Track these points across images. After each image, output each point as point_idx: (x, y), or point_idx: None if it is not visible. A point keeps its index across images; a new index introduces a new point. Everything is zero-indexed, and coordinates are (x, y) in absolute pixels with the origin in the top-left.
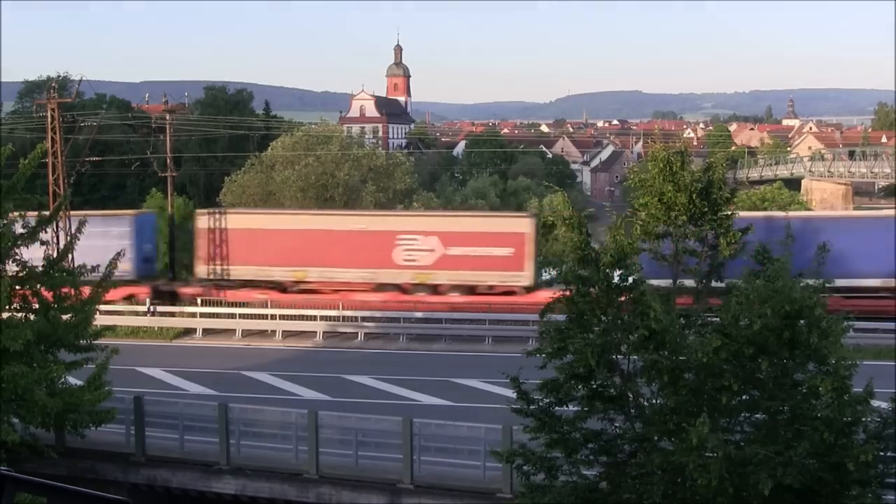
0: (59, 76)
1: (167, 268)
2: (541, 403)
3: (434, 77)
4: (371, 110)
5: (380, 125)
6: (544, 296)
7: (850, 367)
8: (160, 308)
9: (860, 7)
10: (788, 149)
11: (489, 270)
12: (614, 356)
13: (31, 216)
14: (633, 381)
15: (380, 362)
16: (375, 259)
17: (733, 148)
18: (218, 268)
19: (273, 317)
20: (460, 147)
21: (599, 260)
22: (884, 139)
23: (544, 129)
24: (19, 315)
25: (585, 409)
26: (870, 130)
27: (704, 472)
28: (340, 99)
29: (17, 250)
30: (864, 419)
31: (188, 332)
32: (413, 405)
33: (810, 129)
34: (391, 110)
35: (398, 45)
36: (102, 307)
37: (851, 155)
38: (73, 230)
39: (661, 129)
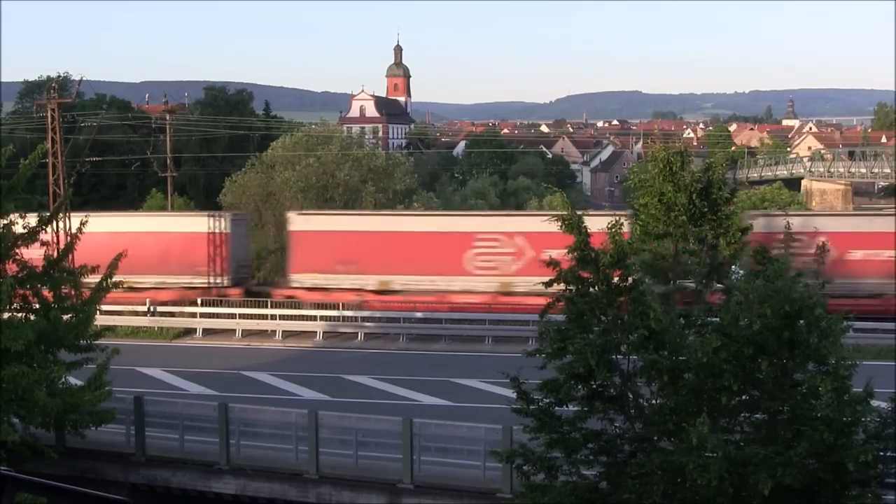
0: (59, 76)
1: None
2: (541, 403)
3: (434, 77)
4: (371, 110)
5: (380, 125)
6: None
7: (849, 367)
8: (160, 308)
9: (860, 7)
10: (788, 149)
11: None
12: (614, 356)
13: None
14: (632, 381)
15: (380, 362)
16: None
17: (733, 148)
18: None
19: (273, 317)
20: (460, 147)
21: (599, 260)
22: (884, 139)
23: (544, 129)
24: (20, 315)
25: (585, 409)
26: (870, 130)
27: (704, 472)
28: (340, 99)
29: (17, 250)
30: (863, 419)
31: (188, 332)
32: (413, 405)
33: (810, 129)
34: (391, 110)
35: (398, 45)
36: (103, 307)
37: (851, 155)
38: (73, 230)
39: (661, 129)
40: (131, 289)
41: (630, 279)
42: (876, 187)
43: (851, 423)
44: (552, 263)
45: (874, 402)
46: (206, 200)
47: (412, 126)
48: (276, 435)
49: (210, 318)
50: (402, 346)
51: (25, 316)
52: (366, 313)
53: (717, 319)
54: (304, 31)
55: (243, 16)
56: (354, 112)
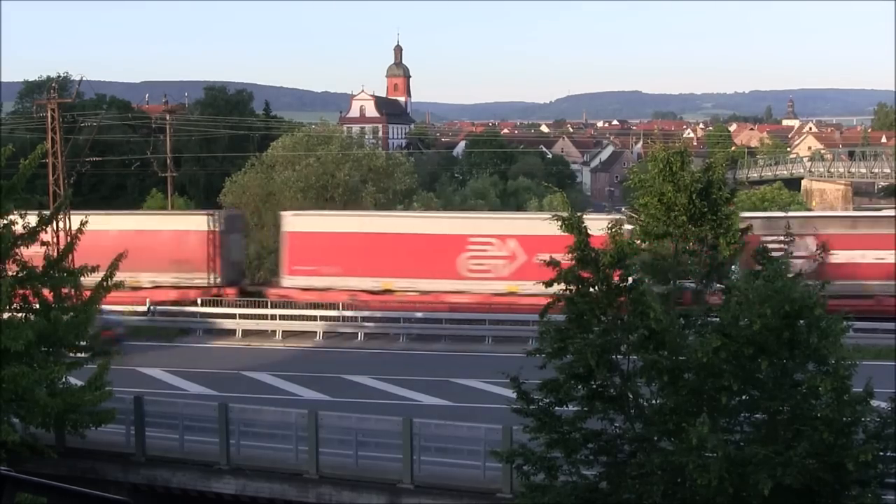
0: (59, 76)
1: None
2: (541, 403)
3: (434, 77)
4: (371, 110)
5: (380, 125)
6: None
7: (849, 367)
8: (160, 308)
9: (860, 7)
10: (788, 149)
11: None
12: (614, 356)
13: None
14: (632, 381)
15: (380, 362)
16: None
17: (733, 148)
18: None
19: (273, 317)
20: (460, 147)
21: (599, 260)
22: (883, 139)
23: (544, 129)
24: (20, 315)
25: (585, 409)
26: (869, 130)
27: (704, 472)
28: (340, 99)
29: (17, 250)
30: (863, 419)
31: (188, 332)
32: (413, 405)
33: (810, 129)
34: (391, 110)
35: (398, 45)
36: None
37: (851, 155)
38: (73, 230)
39: (661, 129)
40: None
41: (630, 279)
42: (876, 187)
43: (851, 423)
44: (552, 263)
45: (874, 402)
46: (206, 200)
47: (412, 126)
48: (275, 435)
49: (210, 318)
50: (402, 346)
51: (25, 316)
52: (366, 313)
53: (717, 319)
54: (304, 31)
55: (243, 16)
56: (354, 112)
